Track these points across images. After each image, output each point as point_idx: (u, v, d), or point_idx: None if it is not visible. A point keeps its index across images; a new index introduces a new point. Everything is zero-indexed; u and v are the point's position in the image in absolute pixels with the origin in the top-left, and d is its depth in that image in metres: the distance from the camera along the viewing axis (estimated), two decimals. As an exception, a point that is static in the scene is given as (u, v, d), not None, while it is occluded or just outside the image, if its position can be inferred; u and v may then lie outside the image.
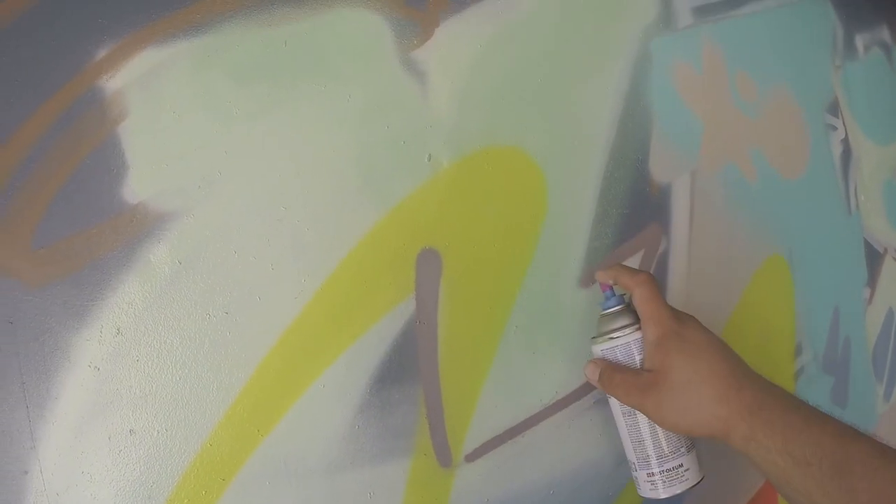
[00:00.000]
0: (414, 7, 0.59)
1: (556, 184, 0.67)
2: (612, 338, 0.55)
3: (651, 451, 0.54)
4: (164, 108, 0.49)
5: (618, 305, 0.56)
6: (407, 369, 0.57)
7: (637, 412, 0.54)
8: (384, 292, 0.56)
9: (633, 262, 0.74)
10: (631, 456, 0.57)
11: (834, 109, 1.12)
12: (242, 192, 0.51)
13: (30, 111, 0.46)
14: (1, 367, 0.44)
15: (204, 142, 0.50)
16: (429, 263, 0.58)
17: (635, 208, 0.74)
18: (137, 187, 0.48)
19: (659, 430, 0.54)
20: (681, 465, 0.54)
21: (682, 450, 0.54)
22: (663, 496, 0.55)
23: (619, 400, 0.55)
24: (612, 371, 0.54)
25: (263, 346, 0.51)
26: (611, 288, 0.57)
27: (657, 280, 0.55)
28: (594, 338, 0.57)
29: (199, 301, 0.49)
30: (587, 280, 0.69)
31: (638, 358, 0.54)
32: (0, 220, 0.45)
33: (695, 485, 0.55)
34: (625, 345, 0.55)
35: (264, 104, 0.53)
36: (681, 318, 0.53)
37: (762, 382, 0.50)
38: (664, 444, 0.54)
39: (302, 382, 0.53)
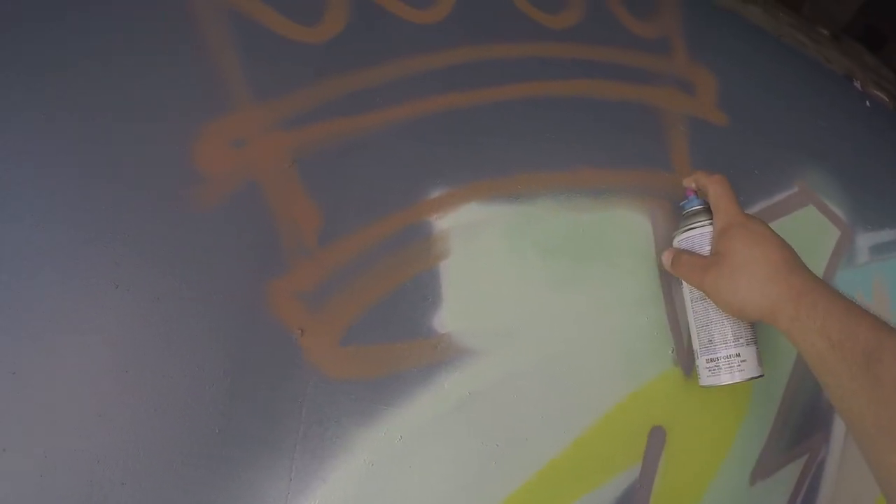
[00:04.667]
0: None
1: (759, 391, 0.72)
2: (688, 228, 0.60)
3: (715, 335, 0.57)
4: (480, 258, 0.56)
5: (698, 205, 0.61)
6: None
7: (705, 298, 0.57)
8: (619, 457, 0.60)
9: (796, 468, 0.75)
10: (695, 344, 0.60)
11: None
12: (533, 347, 0.57)
13: (359, 224, 0.54)
14: (279, 439, 0.48)
15: (509, 296, 0.56)
16: (656, 438, 0.62)
17: (807, 418, 0.77)
18: (447, 319, 0.54)
19: (723, 316, 0.57)
20: (739, 355, 0.56)
21: (742, 341, 0.57)
22: (724, 381, 0.57)
23: (683, 280, 0.60)
24: (679, 254, 0.60)
25: (516, 482, 0.54)
26: (694, 192, 0.62)
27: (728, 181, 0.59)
28: (675, 232, 0.62)
29: (477, 430, 0.53)
30: (756, 477, 0.70)
31: (706, 248, 0.58)
32: (317, 310, 0.50)
33: (753, 377, 0.57)
34: (698, 235, 0.59)
35: (562, 276, 0.60)
36: (748, 215, 0.56)
37: (812, 274, 0.52)
38: (728, 330, 0.57)
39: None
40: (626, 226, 0.64)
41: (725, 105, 0.77)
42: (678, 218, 0.63)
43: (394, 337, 0.52)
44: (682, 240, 0.61)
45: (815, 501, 0.74)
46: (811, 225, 0.80)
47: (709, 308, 0.58)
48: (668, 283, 0.65)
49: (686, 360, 0.65)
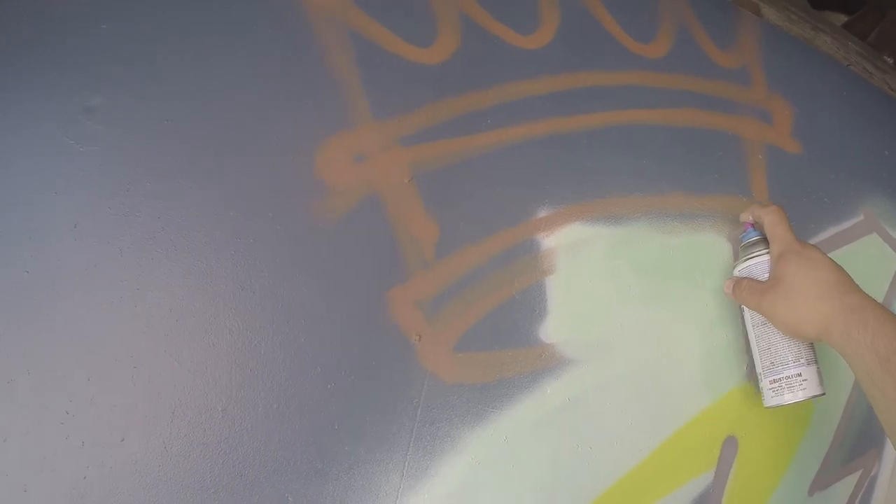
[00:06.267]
0: None
1: (820, 407, 0.75)
2: (747, 258, 0.63)
3: (776, 357, 0.60)
4: (582, 275, 0.61)
5: (756, 236, 0.64)
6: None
7: (766, 323, 0.60)
8: (696, 463, 0.64)
9: (850, 482, 0.79)
10: (759, 367, 0.63)
11: None
12: (624, 358, 0.61)
13: (473, 239, 0.58)
14: (394, 436, 0.52)
15: (607, 311, 0.61)
16: (730, 447, 0.67)
17: (863, 435, 0.80)
18: (552, 331, 0.58)
19: (783, 338, 0.60)
20: (800, 374, 0.59)
21: (803, 360, 0.59)
22: (788, 401, 0.59)
23: (744, 304, 0.62)
24: (740, 281, 0.63)
25: (606, 483, 0.58)
26: (752, 225, 0.65)
27: (784, 211, 0.62)
28: (735, 264, 0.65)
29: (573, 434, 0.58)
30: (814, 489, 0.75)
31: (765, 276, 0.61)
32: (434, 318, 0.55)
33: (815, 396, 0.59)
34: (756, 264, 0.62)
35: (652, 293, 0.64)
36: (804, 242, 0.59)
37: (865, 294, 0.54)
38: (788, 351, 0.60)
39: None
40: (709, 249, 0.68)
41: (799, 133, 0.80)
42: (737, 250, 0.67)
43: (503, 345, 0.56)
44: (742, 269, 0.64)
45: (868, 515, 0.78)
46: (874, 252, 0.83)
47: (769, 331, 0.61)
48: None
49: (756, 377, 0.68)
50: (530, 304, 0.58)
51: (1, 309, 0.43)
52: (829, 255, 0.76)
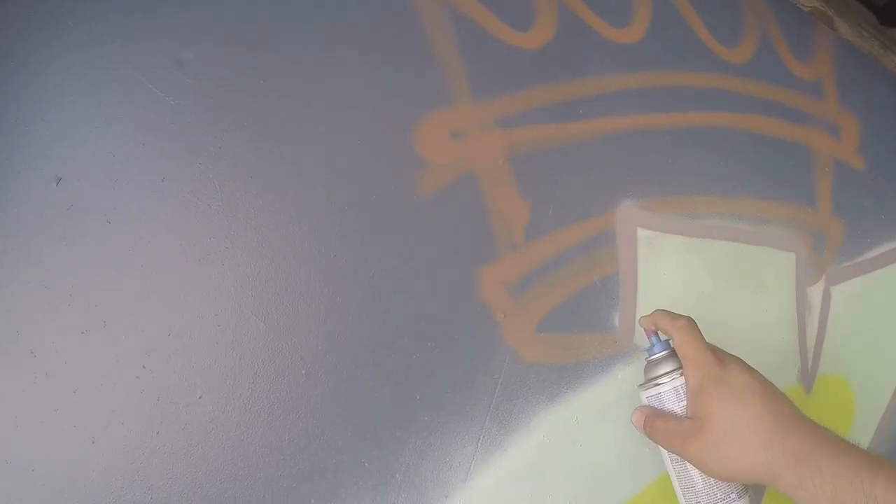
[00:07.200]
0: (816, 254, 0.75)
1: (860, 414, 0.79)
2: (656, 384, 0.52)
3: (702, 497, 0.51)
4: (658, 266, 0.63)
5: (662, 351, 0.54)
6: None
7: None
8: None
9: None
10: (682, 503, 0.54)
11: None
12: None
13: (559, 225, 0.60)
14: (472, 409, 0.54)
15: (677, 302, 0.63)
16: None
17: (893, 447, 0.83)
18: (627, 319, 0.60)
19: (708, 478, 0.50)
20: None
21: (733, 496, 0.50)
22: None
23: (660, 446, 0.52)
24: (654, 418, 0.52)
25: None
26: (655, 334, 0.54)
27: (696, 324, 0.52)
28: (640, 385, 0.54)
29: None
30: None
31: (681, 404, 0.51)
32: (519, 298, 0.57)
33: None
34: (669, 391, 0.52)
35: (719, 293, 0.66)
36: (724, 360, 0.50)
37: (810, 426, 0.46)
38: (715, 490, 0.50)
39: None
40: (775, 254, 0.70)
41: (863, 150, 0.82)
42: (643, 367, 0.56)
43: (581, 329, 0.59)
44: (651, 396, 0.53)
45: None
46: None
47: (690, 469, 0.51)
48: (802, 310, 0.72)
49: (807, 379, 0.71)
50: (608, 292, 0.60)
51: (79, 259, 0.42)
52: (880, 270, 0.79)
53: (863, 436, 0.78)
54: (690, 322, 0.52)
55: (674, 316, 0.52)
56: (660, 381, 0.52)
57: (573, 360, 0.58)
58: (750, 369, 0.50)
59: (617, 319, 0.60)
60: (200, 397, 0.44)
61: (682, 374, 0.51)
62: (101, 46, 0.44)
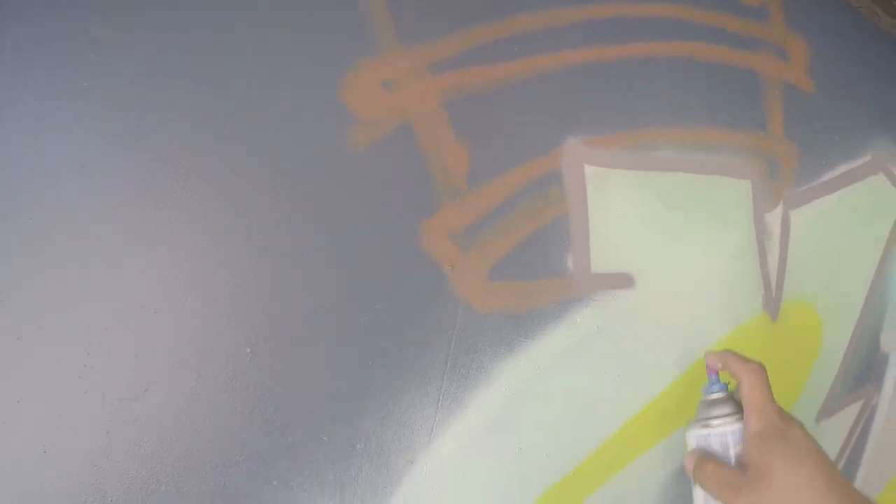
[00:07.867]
0: (772, 179, 0.74)
1: (829, 337, 0.79)
2: (709, 425, 0.51)
3: None
4: (610, 203, 0.61)
5: (720, 392, 0.53)
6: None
7: None
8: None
9: (853, 410, 0.84)
10: None
11: None
12: (651, 288, 0.62)
13: (504, 169, 0.57)
14: (428, 368, 0.52)
15: (634, 240, 0.61)
16: None
17: (864, 367, 0.85)
18: (581, 260, 0.58)
19: None
20: None
21: None
22: None
23: (707, 491, 0.50)
24: (705, 461, 0.50)
25: (634, 409, 0.61)
26: (717, 373, 0.53)
27: (767, 372, 0.51)
28: (692, 423, 0.53)
29: (602, 361, 0.59)
30: (821, 416, 0.79)
31: (733, 451, 0.50)
32: (466, 248, 0.55)
33: None
34: (721, 434, 0.50)
35: (676, 226, 0.65)
36: (786, 417, 0.49)
37: (860, 498, 0.47)
38: None
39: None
40: (730, 182, 0.69)
41: (813, 72, 0.80)
42: (700, 406, 0.54)
43: (534, 275, 0.57)
44: (701, 436, 0.51)
45: (867, 441, 0.83)
46: (879, 193, 0.85)
47: None
48: (762, 237, 0.71)
49: (772, 306, 0.71)
50: (559, 234, 0.58)
51: (3, 261, 0.40)
52: (838, 192, 0.78)
53: (832, 358, 0.78)
54: (762, 368, 0.50)
55: (745, 359, 0.51)
56: (715, 422, 0.51)
57: (528, 307, 0.56)
58: (808, 433, 0.49)
59: (570, 262, 0.58)
60: (146, 390, 0.42)
61: (737, 421, 0.50)
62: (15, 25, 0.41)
